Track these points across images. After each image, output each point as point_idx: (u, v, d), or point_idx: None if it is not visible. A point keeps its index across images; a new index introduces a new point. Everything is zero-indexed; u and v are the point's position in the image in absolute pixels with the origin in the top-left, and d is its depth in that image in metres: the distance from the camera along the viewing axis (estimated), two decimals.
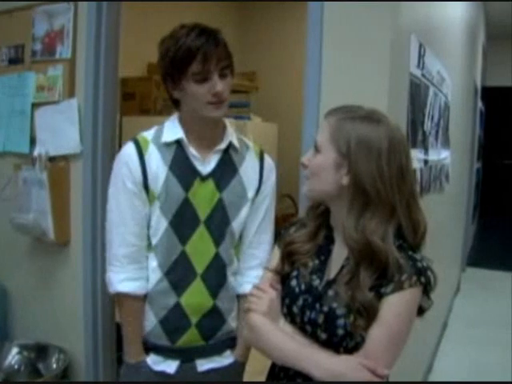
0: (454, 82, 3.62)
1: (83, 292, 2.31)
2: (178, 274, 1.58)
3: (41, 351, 2.38)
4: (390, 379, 1.27)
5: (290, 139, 5.07)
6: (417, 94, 2.25)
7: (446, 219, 4.02)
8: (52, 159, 2.32)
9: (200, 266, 1.59)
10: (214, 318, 1.62)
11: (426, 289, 1.19)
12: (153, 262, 1.60)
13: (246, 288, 1.61)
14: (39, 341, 2.41)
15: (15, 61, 2.49)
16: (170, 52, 1.47)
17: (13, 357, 2.37)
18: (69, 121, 2.29)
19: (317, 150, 1.23)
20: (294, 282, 1.29)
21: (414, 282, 1.15)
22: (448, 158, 3.49)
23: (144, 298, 1.61)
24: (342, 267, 1.23)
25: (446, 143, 3.40)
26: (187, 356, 1.62)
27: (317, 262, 1.29)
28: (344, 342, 1.18)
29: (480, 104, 6.89)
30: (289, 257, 1.32)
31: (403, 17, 1.94)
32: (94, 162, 2.27)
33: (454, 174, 3.99)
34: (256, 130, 4.33)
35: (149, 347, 1.63)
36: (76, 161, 2.32)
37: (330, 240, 1.30)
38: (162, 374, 1.61)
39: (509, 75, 8.67)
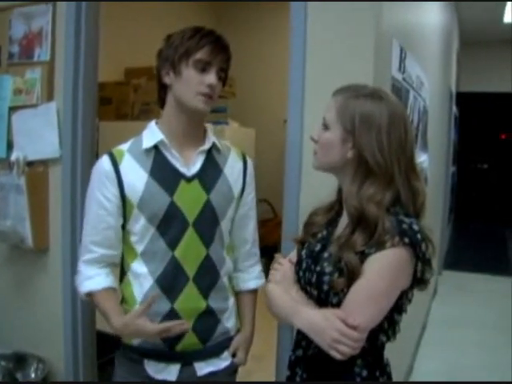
0: (431, 86, 3.66)
1: (63, 299, 2.26)
2: (169, 279, 1.56)
3: (19, 361, 2.31)
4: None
5: (267, 144, 5.11)
6: (398, 98, 2.26)
7: (424, 222, 4.05)
8: (30, 164, 2.27)
9: (191, 270, 1.57)
10: (208, 319, 1.61)
11: (416, 252, 1.20)
12: (142, 268, 1.57)
13: (253, 284, 1.73)
14: (17, 350, 2.34)
15: None
16: (177, 39, 1.51)
17: None
18: (47, 125, 2.24)
19: (325, 126, 1.32)
20: (303, 251, 1.41)
21: (397, 242, 1.19)
22: (426, 162, 3.52)
23: (112, 292, 1.57)
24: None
25: (425, 147, 3.43)
26: (186, 359, 1.60)
27: (325, 232, 1.40)
28: (329, 297, 1.26)
29: (454, 109, 6.99)
30: (306, 227, 1.46)
31: (385, 20, 1.95)
32: (73, 166, 2.22)
33: (430, 177, 4.03)
34: (234, 135, 4.33)
35: (147, 353, 1.59)
36: (55, 165, 2.27)
37: (339, 213, 1.40)
38: (163, 382, 1.59)
39: (481, 81, 8.85)
